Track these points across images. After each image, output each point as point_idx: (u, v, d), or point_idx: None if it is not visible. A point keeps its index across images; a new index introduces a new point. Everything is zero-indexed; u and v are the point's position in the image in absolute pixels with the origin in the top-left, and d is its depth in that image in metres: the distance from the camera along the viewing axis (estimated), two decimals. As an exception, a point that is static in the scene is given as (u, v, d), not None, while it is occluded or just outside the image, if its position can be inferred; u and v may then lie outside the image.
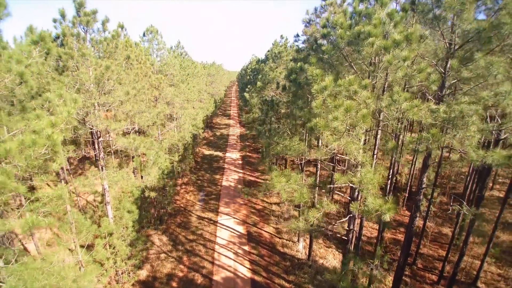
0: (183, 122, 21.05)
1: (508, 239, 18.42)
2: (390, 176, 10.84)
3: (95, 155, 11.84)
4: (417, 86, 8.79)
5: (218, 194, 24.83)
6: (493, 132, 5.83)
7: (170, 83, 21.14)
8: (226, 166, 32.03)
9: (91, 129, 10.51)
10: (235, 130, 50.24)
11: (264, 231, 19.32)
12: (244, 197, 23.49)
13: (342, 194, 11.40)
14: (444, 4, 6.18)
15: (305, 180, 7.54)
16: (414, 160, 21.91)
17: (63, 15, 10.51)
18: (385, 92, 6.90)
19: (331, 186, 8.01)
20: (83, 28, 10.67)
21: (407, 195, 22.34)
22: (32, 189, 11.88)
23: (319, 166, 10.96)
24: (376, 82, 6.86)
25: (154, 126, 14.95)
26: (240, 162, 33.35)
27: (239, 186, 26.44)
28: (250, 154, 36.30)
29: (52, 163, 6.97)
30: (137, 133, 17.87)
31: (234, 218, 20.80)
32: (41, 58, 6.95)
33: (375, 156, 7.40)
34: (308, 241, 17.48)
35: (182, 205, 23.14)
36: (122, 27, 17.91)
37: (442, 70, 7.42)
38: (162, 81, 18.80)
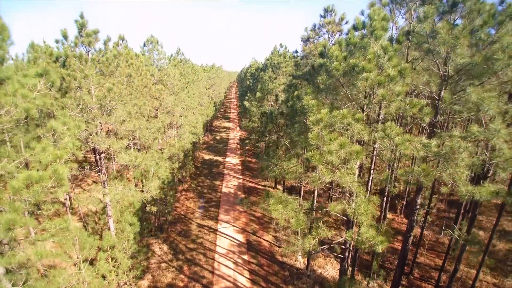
0: (183, 132, 21.27)
1: (505, 248, 18.67)
2: (386, 192, 11.06)
3: (98, 170, 12.05)
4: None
5: (218, 201, 25.07)
6: (485, 164, 6.05)
7: (170, 92, 21.35)
8: (226, 171, 32.26)
9: (93, 147, 10.74)
10: (235, 134, 50.47)
11: (264, 239, 19.56)
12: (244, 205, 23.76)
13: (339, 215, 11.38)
14: (438, 39, 6.39)
15: (302, 204, 7.76)
16: (413, 165, 22.17)
17: (65, 36, 10.74)
18: (379, 123, 7.13)
19: (327, 209, 8.24)
20: (85, 48, 10.89)
21: (405, 202, 22.59)
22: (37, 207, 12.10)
23: (316, 189, 11.20)
24: (370, 111, 7.09)
25: (155, 140, 15.14)
26: (240, 167, 33.59)
27: (239, 192, 26.68)
28: (249, 159, 36.52)
29: (57, 189, 7.19)
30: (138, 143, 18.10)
31: (233, 226, 21.05)
32: (46, 90, 7.15)
33: (370, 182, 7.64)
34: (306, 250, 17.78)
35: (182, 212, 23.38)
36: (122, 39, 18.15)
37: (436, 96, 7.64)
38: (162, 92, 19.02)
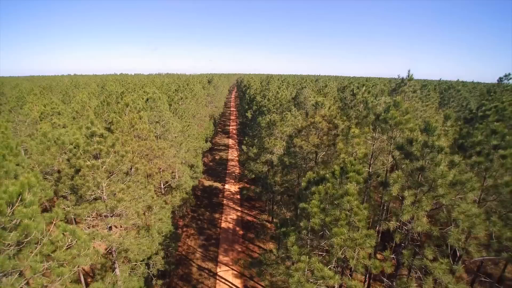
0: (184, 181, 22.53)
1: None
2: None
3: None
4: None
5: (218, 239, 26.48)
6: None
7: (170, 144, 22.53)
8: (225, 201, 33.63)
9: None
10: (234, 153, 51.68)
11: (260, 285, 21.01)
12: (242, 244, 25.17)
13: None
14: (403, 209, 7.63)
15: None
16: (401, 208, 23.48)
17: (77, 146, 11.93)
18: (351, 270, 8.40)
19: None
20: (97, 154, 12.10)
21: (394, 245, 23.96)
22: None
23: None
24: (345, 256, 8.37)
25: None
26: (239, 196, 34.94)
27: (238, 228, 28.10)
28: (248, 185, 37.82)
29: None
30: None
31: (232, 269, 22.49)
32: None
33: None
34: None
35: (183, 252, 24.80)
36: (127, 104, 19.28)
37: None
38: (164, 150, 20.23)
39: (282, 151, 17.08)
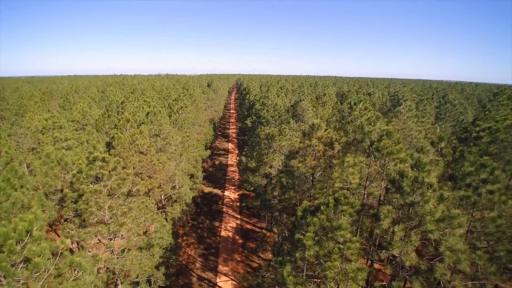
0: (183, 193, 22.91)
1: None
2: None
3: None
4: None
5: (217, 248, 26.88)
6: None
7: (171, 156, 22.89)
8: (224, 209, 34.03)
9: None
10: (234, 159, 52.03)
11: (259, 296, 21.43)
12: (242, 254, 25.59)
13: None
14: (393, 244, 8.02)
15: None
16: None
17: (80, 171, 12.28)
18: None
19: None
20: (99, 178, 12.46)
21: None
22: None
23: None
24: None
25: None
26: (239, 203, 35.34)
27: (237, 237, 28.50)
28: (248, 192, 38.23)
29: None
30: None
31: (232, 280, 22.91)
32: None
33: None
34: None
35: (184, 262, 25.21)
36: (128, 120, 19.63)
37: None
38: (165, 164, 20.60)
39: (280, 164, 17.44)
